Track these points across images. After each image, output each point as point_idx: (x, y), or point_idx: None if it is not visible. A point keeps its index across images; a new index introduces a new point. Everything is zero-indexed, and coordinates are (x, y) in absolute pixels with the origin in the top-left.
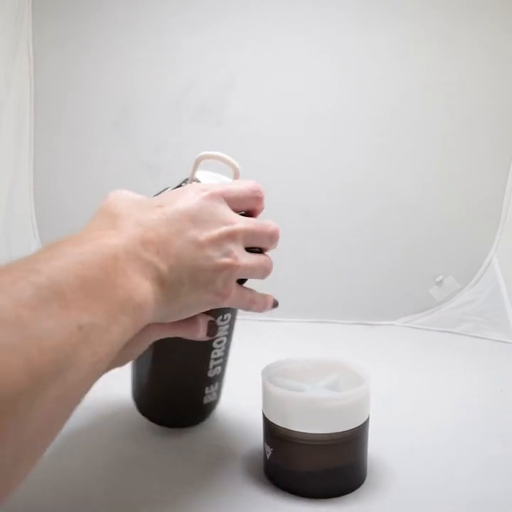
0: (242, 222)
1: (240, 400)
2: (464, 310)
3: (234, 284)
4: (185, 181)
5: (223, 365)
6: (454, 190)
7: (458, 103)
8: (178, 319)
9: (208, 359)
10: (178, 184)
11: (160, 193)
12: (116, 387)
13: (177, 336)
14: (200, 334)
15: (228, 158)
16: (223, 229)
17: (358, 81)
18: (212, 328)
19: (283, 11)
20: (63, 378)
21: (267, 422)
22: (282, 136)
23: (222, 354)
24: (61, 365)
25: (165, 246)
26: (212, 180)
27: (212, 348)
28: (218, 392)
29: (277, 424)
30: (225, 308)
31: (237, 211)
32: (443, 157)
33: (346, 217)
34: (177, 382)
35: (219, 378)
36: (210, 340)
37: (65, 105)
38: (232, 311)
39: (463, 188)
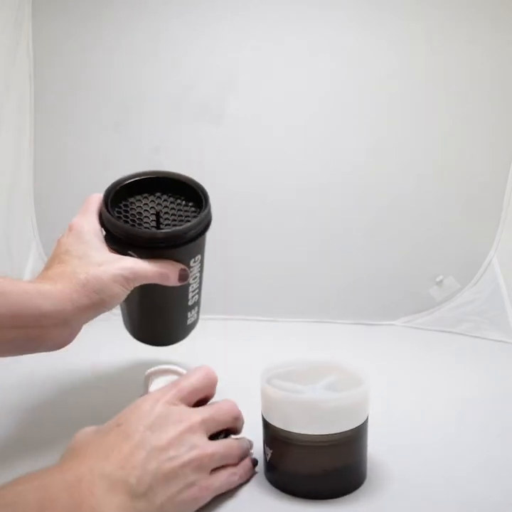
0: (198, 413)
1: (240, 402)
2: (464, 310)
3: (209, 476)
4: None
5: (200, 292)
6: (454, 190)
7: (458, 103)
8: None
9: (186, 293)
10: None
11: None
12: None
13: (150, 282)
14: (172, 281)
15: (174, 368)
16: (181, 427)
17: (358, 81)
18: (184, 275)
19: (283, 10)
20: None
21: (266, 424)
22: (282, 135)
23: (198, 285)
24: None
25: (128, 459)
26: (165, 383)
27: (189, 284)
28: (198, 313)
29: (277, 426)
30: (195, 250)
31: (195, 404)
32: (443, 157)
33: (346, 217)
34: (163, 313)
35: (197, 303)
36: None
37: (65, 105)
38: (202, 252)
39: (463, 188)
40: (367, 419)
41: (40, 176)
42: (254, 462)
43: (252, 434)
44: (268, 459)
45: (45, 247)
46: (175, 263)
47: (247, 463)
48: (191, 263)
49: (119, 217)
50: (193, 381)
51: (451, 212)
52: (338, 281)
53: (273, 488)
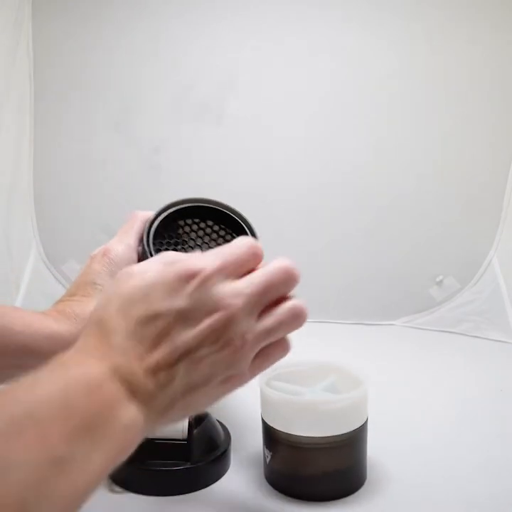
0: (242, 297)
1: (239, 404)
2: (463, 310)
3: (247, 363)
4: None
5: None
6: (454, 190)
7: (458, 103)
8: (187, 416)
9: None
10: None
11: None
12: None
13: None
14: None
15: None
16: (216, 317)
17: (358, 81)
18: None
19: (283, 10)
20: None
21: (266, 426)
22: (282, 135)
23: None
24: (29, 505)
25: (148, 362)
26: None
27: None
28: None
29: (276, 428)
30: None
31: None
32: (443, 157)
33: (346, 217)
34: None
35: None
36: None
37: (65, 105)
38: None
39: (463, 188)
40: (366, 420)
41: (40, 176)
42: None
43: (252, 436)
44: (268, 460)
45: (45, 247)
46: None
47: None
48: None
49: (159, 250)
50: (239, 252)
51: (451, 212)
52: (338, 281)
53: (273, 489)
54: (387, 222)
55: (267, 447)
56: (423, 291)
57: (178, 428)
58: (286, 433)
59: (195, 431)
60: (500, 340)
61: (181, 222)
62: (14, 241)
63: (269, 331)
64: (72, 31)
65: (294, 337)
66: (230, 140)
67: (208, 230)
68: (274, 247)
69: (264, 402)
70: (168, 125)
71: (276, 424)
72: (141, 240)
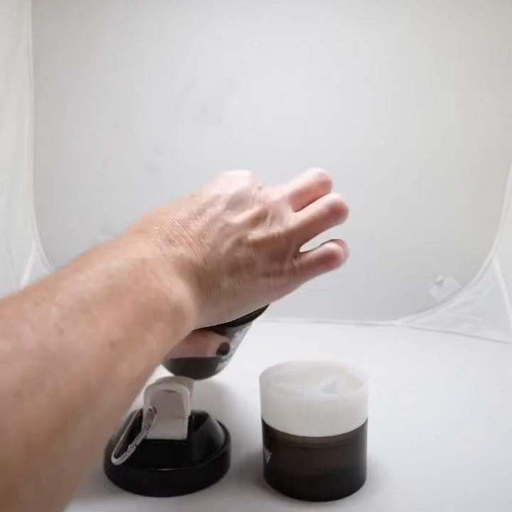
0: (280, 194)
1: (239, 404)
2: (463, 310)
3: (292, 258)
4: None
5: (230, 359)
6: (454, 190)
7: (458, 103)
8: (231, 319)
9: (216, 363)
10: None
11: None
12: None
13: (184, 356)
14: (209, 353)
15: (173, 388)
16: (256, 208)
17: (358, 81)
18: (224, 349)
19: (283, 10)
20: (98, 405)
21: (265, 426)
22: (282, 136)
23: (232, 353)
24: (95, 390)
25: (197, 236)
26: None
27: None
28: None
29: (276, 428)
30: (247, 319)
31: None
32: (443, 157)
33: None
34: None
35: (226, 364)
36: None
37: (65, 105)
38: (251, 321)
39: (463, 188)
40: (366, 420)
41: (40, 176)
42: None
43: (252, 436)
44: (268, 461)
45: (45, 247)
46: (215, 335)
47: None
48: (236, 334)
49: None
50: (306, 181)
51: (451, 213)
52: (337, 281)
53: (273, 490)
54: (386, 222)
55: (266, 447)
56: (423, 291)
57: (178, 428)
58: (286, 433)
59: (194, 432)
60: (500, 341)
61: None
62: (14, 241)
63: (306, 222)
64: (73, 31)
65: (294, 337)
66: (230, 140)
67: None
68: None
69: (264, 402)
70: (168, 125)
71: (276, 424)
72: None
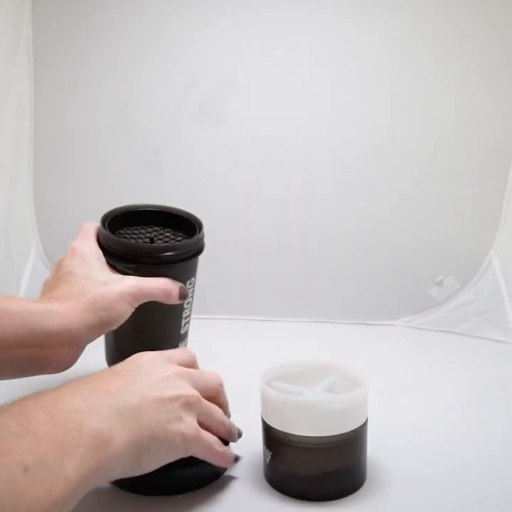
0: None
1: (239, 404)
2: (463, 310)
3: (196, 423)
4: None
5: (189, 322)
6: (454, 189)
7: (458, 102)
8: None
9: (180, 318)
10: None
11: None
12: None
13: (154, 299)
14: (173, 299)
15: None
16: (169, 371)
17: (358, 81)
18: (184, 293)
19: (283, 10)
20: None
21: (265, 426)
22: (282, 136)
23: (189, 313)
24: (7, 509)
25: (119, 386)
26: None
27: (184, 309)
28: (186, 345)
29: (276, 427)
30: (190, 272)
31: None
32: (443, 157)
33: (346, 217)
34: (155, 341)
35: (187, 334)
36: (182, 303)
37: (65, 105)
38: (195, 276)
39: (463, 187)
40: (366, 420)
41: (40, 176)
42: (237, 457)
43: (252, 436)
44: (268, 460)
45: (45, 247)
46: (174, 281)
47: (230, 451)
48: (187, 285)
49: (120, 234)
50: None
51: (451, 212)
52: (337, 281)
53: (273, 489)
54: (386, 222)
55: (266, 447)
56: (423, 291)
57: None
58: (286, 433)
59: None
60: (500, 340)
61: (131, 228)
62: (14, 241)
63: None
64: (73, 31)
65: (293, 337)
66: (230, 140)
67: (154, 232)
68: (275, 246)
69: (264, 402)
70: (168, 125)
71: (276, 424)
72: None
